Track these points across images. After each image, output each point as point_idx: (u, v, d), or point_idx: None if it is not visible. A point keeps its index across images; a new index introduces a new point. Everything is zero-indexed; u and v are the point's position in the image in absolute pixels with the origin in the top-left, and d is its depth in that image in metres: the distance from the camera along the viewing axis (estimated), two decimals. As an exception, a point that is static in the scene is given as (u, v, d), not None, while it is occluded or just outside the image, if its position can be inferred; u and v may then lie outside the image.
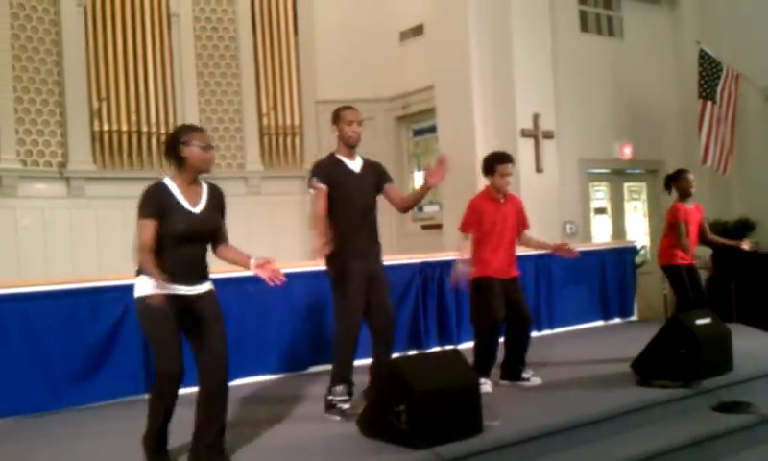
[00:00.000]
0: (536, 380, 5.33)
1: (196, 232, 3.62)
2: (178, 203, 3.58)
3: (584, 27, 10.12)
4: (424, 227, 10.73)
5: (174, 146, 3.60)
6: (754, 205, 9.78)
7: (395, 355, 4.77)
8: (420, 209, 10.91)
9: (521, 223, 5.54)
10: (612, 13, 10.45)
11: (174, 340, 3.55)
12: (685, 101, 10.26)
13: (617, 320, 8.72)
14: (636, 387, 5.08)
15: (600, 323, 8.57)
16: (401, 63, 10.94)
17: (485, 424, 4.02)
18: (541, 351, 6.53)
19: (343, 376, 4.63)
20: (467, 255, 5.28)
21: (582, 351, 6.83)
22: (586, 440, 4.25)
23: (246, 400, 5.25)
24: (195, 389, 3.65)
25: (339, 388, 4.61)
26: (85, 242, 9.23)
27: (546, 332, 8.00)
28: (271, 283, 3.70)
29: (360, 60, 10.80)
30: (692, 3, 10.63)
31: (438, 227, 10.04)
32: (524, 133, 8.98)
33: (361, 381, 4.81)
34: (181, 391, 3.60)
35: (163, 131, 9.86)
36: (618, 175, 10.58)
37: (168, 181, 3.63)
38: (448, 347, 6.57)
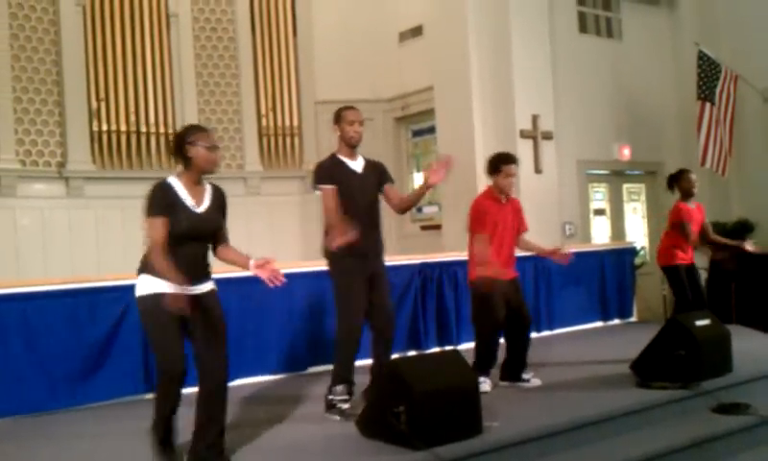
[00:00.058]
0: (535, 381, 5.33)
1: (199, 232, 3.63)
2: (183, 201, 3.59)
3: (582, 28, 10.13)
4: (423, 227, 10.73)
5: (180, 146, 3.61)
6: (753, 206, 9.79)
7: (394, 356, 4.77)
8: (420, 210, 10.91)
9: (520, 225, 5.54)
10: (610, 15, 10.46)
11: (176, 340, 3.56)
12: (684, 102, 10.26)
13: (617, 321, 8.73)
14: (635, 388, 5.08)
15: (599, 324, 8.57)
16: (400, 64, 10.94)
17: (484, 425, 4.01)
18: (541, 352, 6.53)
19: (343, 375, 4.63)
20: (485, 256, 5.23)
21: (581, 352, 6.83)
22: (585, 441, 4.25)
23: (246, 400, 5.25)
24: (195, 389, 3.65)
25: (339, 388, 4.61)
26: (85, 242, 9.22)
27: (546, 333, 8.01)
28: (271, 284, 3.70)
29: (359, 60, 10.80)
30: (691, 4, 10.64)
31: (437, 227, 10.04)
32: (523, 134, 8.98)
33: (361, 382, 4.81)
34: (183, 391, 3.60)
35: (162, 131, 9.86)
36: (617, 176, 10.59)
37: (173, 180, 3.64)
38: (448, 347, 6.59)
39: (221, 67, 10.53)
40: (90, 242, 9.25)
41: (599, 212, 10.37)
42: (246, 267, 3.74)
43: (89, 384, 5.27)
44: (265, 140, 10.74)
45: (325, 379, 5.76)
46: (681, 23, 10.72)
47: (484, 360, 5.28)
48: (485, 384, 5.10)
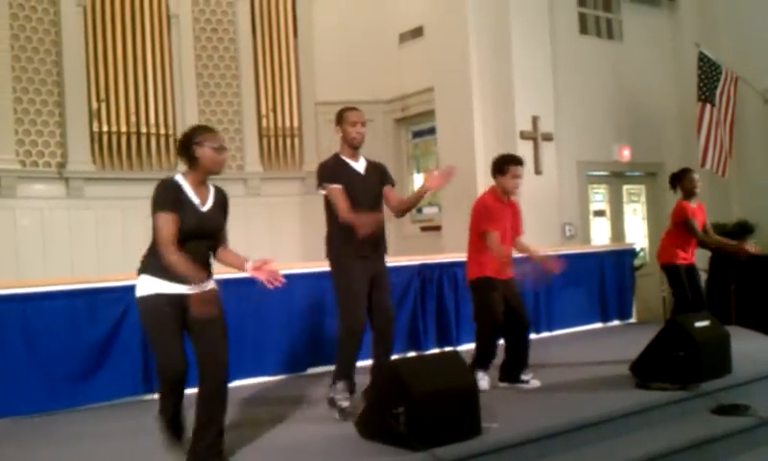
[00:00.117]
0: (535, 382, 5.33)
1: (204, 230, 3.65)
2: (189, 199, 3.61)
3: (583, 29, 10.13)
4: (423, 228, 10.74)
5: (187, 146, 3.63)
6: (753, 207, 9.79)
7: (394, 357, 4.77)
8: (420, 211, 10.92)
9: (517, 227, 5.54)
10: (611, 16, 10.46)
11: (176, 340, 3.57)
12: (685, 103, 10.26)
13: (616, 322, 8.73)
14: (634, 389, 5.08)
15: (599, 325, 8.57)
16: (401, 65, 10.94)
17: (483, 426, 4.02)
18: (540, 353, 6.53)
19: (344, 373, 4.65)
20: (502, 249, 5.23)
21: (581, 353, 6.84)
22: (585, 442, 4.25)
23: (245, 401, 5.26)
24: (195, 390, 3.65)
25: (340, 385, 4.62)
26: (84, 243, 9.22)
27: (545, 334, 8.01)
28: (270, 285, 3.71)
29: (359, 61, 10.80)
30: (691, 5, 10.65)
31: (437, 229, 10.05)
32: (523, 136, 8.97)
33: (361, 382, 4.81)
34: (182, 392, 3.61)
35: (162, 132, 9.86)
36: (617, 177, 10.59)
37: (180, 178, 3.66)
38: (447, 348, 6.59)
39: (221, 68, 10.54)
40: (90, 243, 9.25)
41: (599, 213, 10.37)
42: (243, 269, 3.75)
43: (89, 385, 5.27)
44: (265, 141, 10.74)
45: (325, 380, 5.76)
46: (681, 24, 10.72)
47: (483, 357, 5.31)
48: (483, 381, 5.13)
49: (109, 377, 5.34)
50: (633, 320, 8.91)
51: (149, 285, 3.56)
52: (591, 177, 10.18)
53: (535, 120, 9.05)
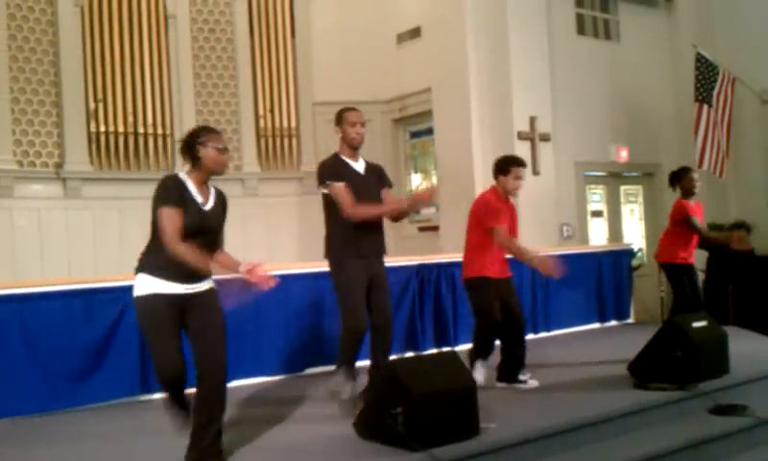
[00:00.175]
0: (532, 383, 5.33)
1: (205, 229, 3.65)
2: (192, 197, 3.62)
3: (580, 30, 10.14)
4: (421, 229, 10.74)
5: (191, 145, 3.65)
6: (750, 208, 9.80)
7: (392, 357, 4.78)
8: (417, 212, 10.91)
9: (513, 228, 5.54)
10: (608, 17, 10.47)
11: (174, 341, 3.57)
12: (682, 104, 10.28)
13: (614, 322, 8.74)
14: (632, 390, 5.08)
15: (597, 325, 8.58)
16: (398, 66, 10.94)
17: (482, 427, 4.02)
18: (538, 353, 6.54)
19: (346, 360, 4.69)
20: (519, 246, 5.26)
21: (578, 353, 6.84)
22: (583, 442, 4.26)
23: (244, 401, 5.25)
24: (194, 390, 3.65)
25: (341, 373, 4.66)
26: (82, 243, 9.20)
27: (543, 335, 8.02)
28: (264, 288, 3.71)
29: (357, 62, 10.80)
30: (689, 6, 10.66)
31: (435, 229, 10.05)
32: (521, 136, 8.98)
33: (360, 383, 4.82)
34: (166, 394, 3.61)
35: (160, 132, 9.84)
36: (615, 178, 10.60)
37: (183, 176, 3.67)
38: (445, 349, 6.59)
39: (219, 68, 10.52)
40: (88, 243, 9.24)
41: (596, 214, 10.38)
42: (236, 272, 3.75)
43: (87, 385, 5.26)
44: (263, 141, 10.73)
45: (324, 380, 5.77)
46: (678, 25, 10.74)
47: (481, 348, 5.33)
48: (481, 371, 5.15)
49: (107, 378, 5.33)
50: (630, 320, 8.91)
51: (147, 285, 3.56)
52: (589, 177, 10.19)
53: (532, 120, 9.06)
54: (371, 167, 4.88)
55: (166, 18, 10.11)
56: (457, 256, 5.58)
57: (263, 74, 10.74)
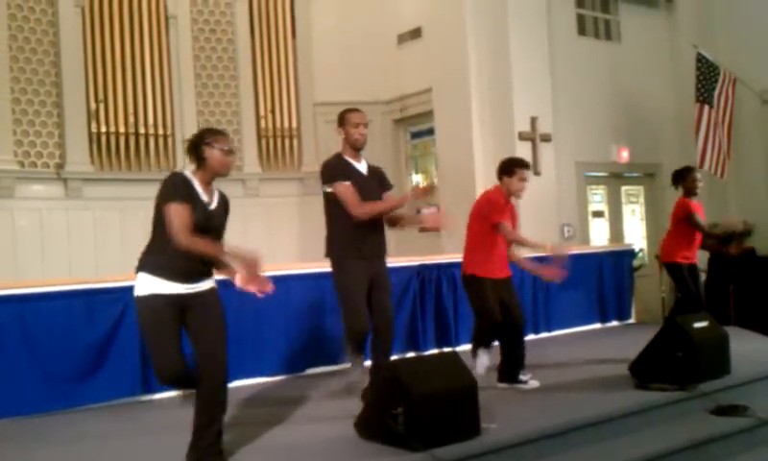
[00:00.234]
0: (533, 383, 5.33)
1: (210, 228, 3.65)
2: (198, 195, 3.63)
3: (581, 30, 10.14)
4: (422, 229, 10.69)
5: (197, 145, 3.67)
6: (750, 208, 9.80)
7: (392, 357, 4.78)
8: (418, 212, 10.90)
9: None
10: (609, 17, 10.47)
11: (174, 342, 3.56)
12: (683, 104, 10.27)
13: (615, 323, 8.73)
14: (633, 390, 5.08)
15: (598, 325, 8.57)
16: (399, 66, 10.94)
17: (482, 427, 4.02)
18: (539, 353, 6.54)
19: (356, 354, 4.79)
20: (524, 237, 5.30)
21: (579, 353, 6.83)
22: (583, 442, 4.25)
23: (245, 401, 5.25)
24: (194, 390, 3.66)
25: (356, 369, 4.83)
26: (83, 243, 9.21)
27: (544, 335, 8.02)
28: (260, 294, 3.72)
29: (358, 62, 10.80)
30: (689, 7, 10.65)
31: (435, 229, 10.03)
32: (522, 136, 8.98)
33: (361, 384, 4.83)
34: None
35: (161, 133, 9.85)
36: (616, 178, 10.59)
37: (189, 174, 3.68)
38: (446, 349, 6.58)
39: (220, 69, 10.53)
40: (89, 243, 9.24)
41: (597, 214, 10.37)
42: (233, 278, 3.75)
43: (88, 385, 5.26)
44: (264, 142, 10.73)
45: (324, 381, 5.78)
46: (679, 25, 10.73)
47: (483, 337, 5.33)
48: (484, 358, 5.16)
49: (108, 378, 5.33)
50: (631, 320, 8.91)
51: (148, 284, 3.55)
52: (590, 177, 10.19)
53: (533, 121, 9.06)
54: (372, 169, 4.90)
55: (167, 19, 10.12)
56: (458, 257, 5.58)
57: (264, 74, 10.74)
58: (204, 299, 3.65)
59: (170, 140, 9.92)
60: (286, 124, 10.82)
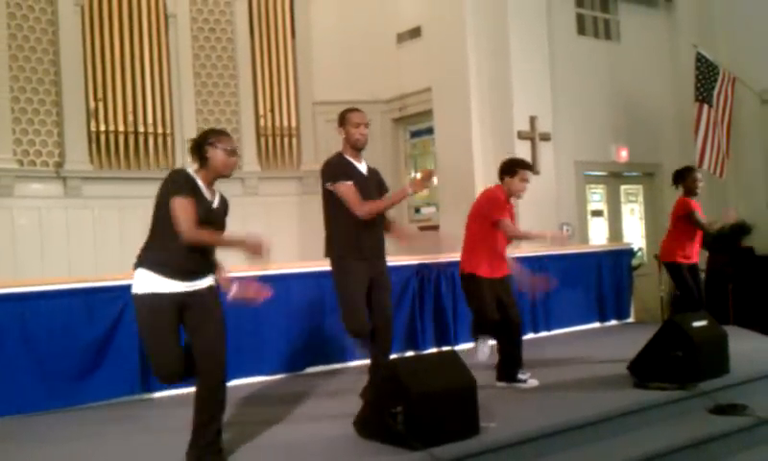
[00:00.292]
0: (532, 382, 5.33)
1: (211, 226, 3.66)
2: (201, 193, 3.65)
3: (581, 30, 10.14)
4: (421, 228, 10.73)
5: (200, 145, 3.68)
6: (750, 208, 9.80)
7: (392, 356, 4.79)
8: (418, 211, 10.93)
9: None
10: (608, 17, 10.48)
11: (172, 341, 3.57)
12: (682, 104, 10.28)
13: (614, 322, 8.74)
14: (632, 389, 5.08)
15: (597, 325, 8.58)
16: (398, 65, 10.94)
17: (481, 426, 4.02)
18: (538, 352, 6.55)
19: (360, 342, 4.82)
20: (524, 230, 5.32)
21: (579, 352, 6.83)
22: (583, 442, 4.26)
23: (244, 400, 5.25)
24: (193, 389, 3.66)
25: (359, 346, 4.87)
26: (82, 242, 9.20)
27: (543, 334, 8.02)
28: (259, 301, 3.74)
29: (357, 61, 10.80)
30: (689, 6, 10.66)
31: (435, 228, 10.05)
32: (521, 136, 8.99)
33: (361, 382, 4.82)
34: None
35: (160, 131, 9.84)
36: (615, 177, 10.60)
37: (192, 172, 3.68)
38: (445, 348, 6.59)
39: (219, 68, 10.52)
40: (88, 242, 9.24)
41: (597, 213, 10.38)
42: (227, 289, 3.76)
43: (87, 384, 5.26)
44: (263, 141, 10.73)
45: (323, 380, 5.78)
46: (678, 25, 10.74)
47: (483, 326, 5.33)
48: (485, 347, 5.15)
49: (107, 377, 5.33)
50: (630, 320, 8.91)
51: (147, 282, 3.55)
52: (589, 177, 10.20)
53: (532, 120, 9.06)
54: (371, 170, 4.91)
55: (166, 17, 10.11)
56: (457, 256, 5.58)
57: (263, 73, 10.74)
58: (204, 297, 3.65)
59: (169, 139, 9.92)
60: (285, 123, 10.82)
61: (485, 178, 8.39)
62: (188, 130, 9.89)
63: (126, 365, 5.38)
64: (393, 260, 5.96)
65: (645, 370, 5.24)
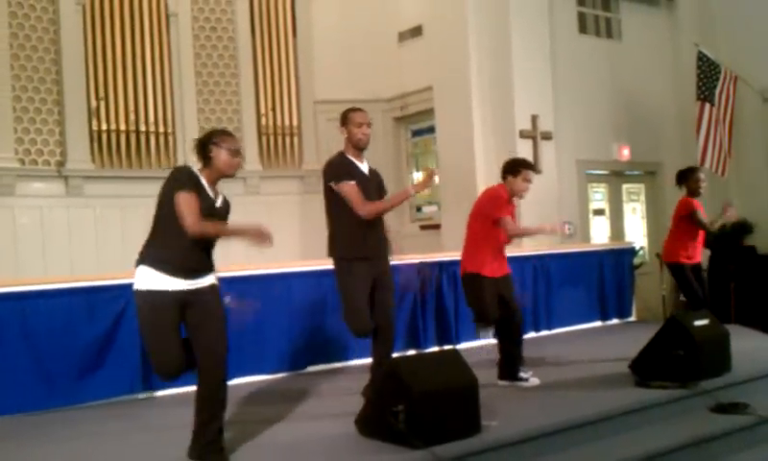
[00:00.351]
0: (534, 380, 5.33)
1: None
2: (204, 190, 3.66)
3: (582, 28, 10.14)
4: (423, 227, 10.74)
5: (204, 144, 3.70)
6: (752, 207, 9.79)
7: (393, 355, 4.79)
8: (419, 210, 10.93)
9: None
10: (610, 15, 10.47)
11: (173, 338, 3.57)
12: (684, 103, 10.27)
13: (615, 321, 8.73)
14: (634, 388, 5.08)
15: (598, 323, 8.57)
16: (400, 64, 10.94)
17: (483, 425, 4.02)
18: (540, 351, 6.55)
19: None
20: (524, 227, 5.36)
21: (580, 351, 6.83)
22: (584, 440, 4.25)
23: (245, 399, 5.25)
24: (194, 387, 3.66)
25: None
26: (84, 241, 9.21)
27: (545, 333, 8.01)
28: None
29: (358, 60, 10.80)
30: (690, 5, 10.65)
31: (436, 227, 10.05)
32: (522, 134, 8.98)
33: (361, 380, 4.82)
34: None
35: (162, 130, 9.85)
36: (617, 176, 10.59)
37: (195, 170, 3.70)
38: (447, 347, 6.58)
39: (220, 67, 10.52)
40: (89, 241, 9.24)
41: (598, 212, 10.38)
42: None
43: (88, 383, 5.26)
44: (264, 140, 10.73)
45: (323, 379, 5.79)
46: (680, 24, 10.73)
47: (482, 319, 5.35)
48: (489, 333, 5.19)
49: (108, 376, 5.33)
50: (632, 318, 8.91)
51: (148, 279, 3.55)
52: (591, 175, 10.19)
53: (534, 119, 9.05)
54: (372, 171, 4.91)
55: (168, 17, 10.12)
56: (459, 255, 5.58)
57: (265, 72, 10.74)
58: (205, 295, 3.65)
59: (171, 138, 9.93)
60: (287, 122, 10.82)
61: (486, 176, 8.39)
62: (190, 129, 9.90)
63: (127, 364, 5.39)
64: (394, 259, 5.97)
65: (647, 368, 5.24)
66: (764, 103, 9.90)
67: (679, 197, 6.85)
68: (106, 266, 8.22)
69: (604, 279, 8.64)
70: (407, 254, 7.57)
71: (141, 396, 5.47)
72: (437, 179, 4.94)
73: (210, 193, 3.68)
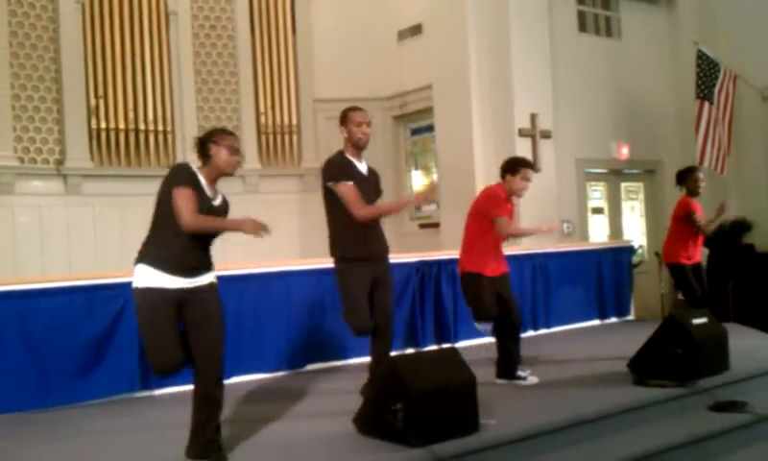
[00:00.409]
0: (532, 379, 5.33)
1: None
2: (203, 189, 3.66)
3: (582, 27, 10.14)
4: (422, 226, 10.74)
5: (204, 142, 3.71)
6: (751, 205, 9.80)
7: (392, 354, 4.80)
8: (418, 209, 10.92)
9: None
10: (610, 14, 10.47)
11: (171, 336, 3.57)
12: (683, 101, 10.28)
13: (614, 319, 8.74)
14: (632, 386, 5.09)
15: (597, 322, 8.58)
16: (399, 63, 10.93)
17: (481, 423, 4.02)
18: (538, 349, 6.55)
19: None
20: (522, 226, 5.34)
21: (579, 350, 6.84)
22: (582, 439, 4.26)
23: (243, 397, 5.25)
24: (191, 386, 3.66)
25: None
26: (82, 239, 9.21)
27: (543, 331, 8.01)
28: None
29: (358, 59, 10.79)
30: (690, 4, 10.65)
31: (435, 226, 10.05)
32: (522, 133, 8.98)
33: (360, 379, 4.82)
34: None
35: (161, 129, 9.85)
36: (616, 175, 10.60)
37: (195, 169, 3.70)
38: (445, 345, 6.59)
39: (220, 65, 10.52)
40: (88, 239, 9.25)
41: (597, 211, 10.38)
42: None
43: (87, 381, 5.26)
44: (264, 138, 10.73)
45: (323, 377, 5.79)
46: (680, 22, 10.73)
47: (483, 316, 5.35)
48: (487, 327, 5.16)
49: (107, 374, 5.33)
50: (631, 317, 8.91)
51: (146, 277, 3.55)
52: (590, 174, 10.20)
53: (533, 118, 9.05)
54: (371, 171, 4.90)
55: (167, 15, 10.11)
56: (457, 253, 5.58)
57: (264, 71, 10.74)
58: (204, 294, 3.65)
59: (170, 136, 9.92)
60: (286, 120, 10.82)
61: (485, 175, 8.39)
62: (189, 127, 9.90)
63: (126, 362, 5.38)
64: (393, 257, 5.96)
65: (645, 367, 5.24)
66: (763, 101, 9.91)
67: (678, 196, 6.86)
68: (104, 264, 8.22)
69: (602, 278, 8.64)
70: (407, 252, 7.60)
71: (140, 394, 5.47)
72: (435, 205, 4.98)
73: (209, 192, 3.68)
